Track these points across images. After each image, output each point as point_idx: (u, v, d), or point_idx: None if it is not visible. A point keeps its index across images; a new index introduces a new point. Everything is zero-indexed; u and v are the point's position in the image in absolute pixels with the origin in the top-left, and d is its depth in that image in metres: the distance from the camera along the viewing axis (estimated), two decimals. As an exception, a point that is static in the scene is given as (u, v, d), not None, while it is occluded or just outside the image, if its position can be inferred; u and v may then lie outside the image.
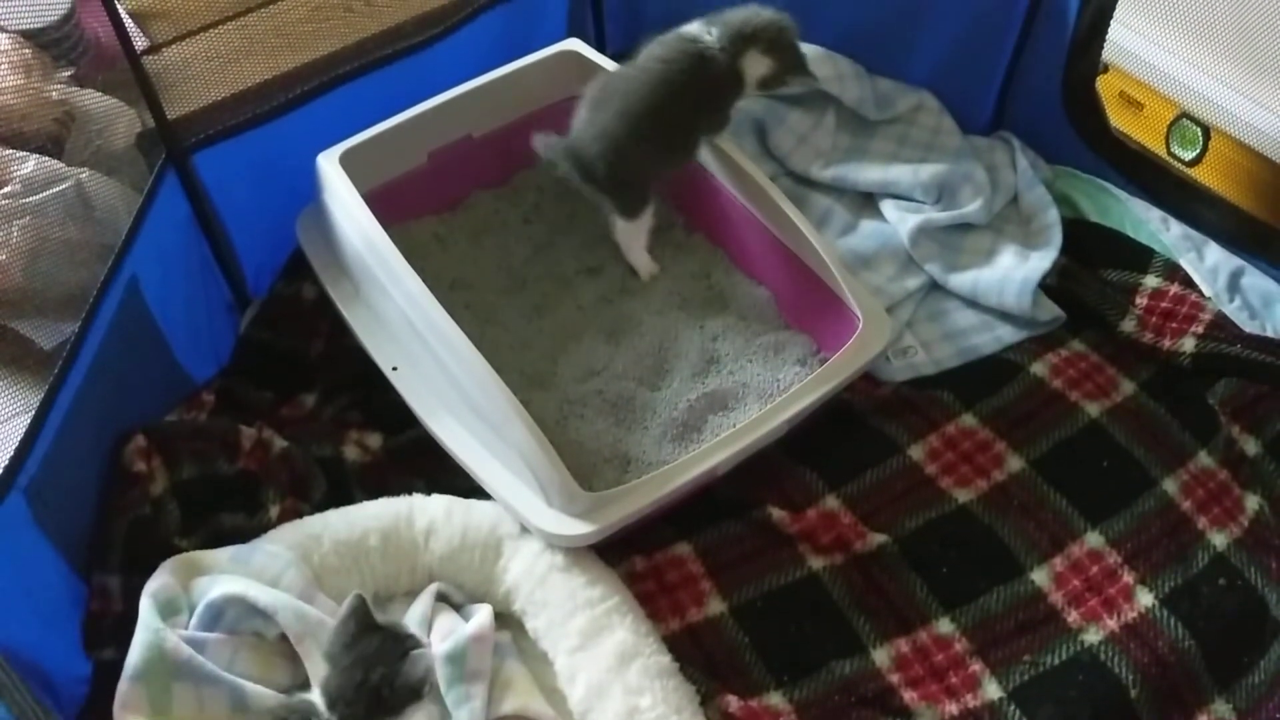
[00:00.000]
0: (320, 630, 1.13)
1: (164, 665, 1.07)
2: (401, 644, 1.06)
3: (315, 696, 1.07)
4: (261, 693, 1.10)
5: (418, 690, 1.05)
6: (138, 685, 1.06)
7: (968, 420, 1.42)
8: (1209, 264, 1.54)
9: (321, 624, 1.14)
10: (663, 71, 1.36)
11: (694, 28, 1.39)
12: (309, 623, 1.14)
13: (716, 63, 1.36)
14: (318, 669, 1.10)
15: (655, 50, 1.39)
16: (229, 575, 1.16)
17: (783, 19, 1.40)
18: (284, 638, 1.16)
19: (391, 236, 1.31)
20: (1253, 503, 1.32)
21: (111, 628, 1.16)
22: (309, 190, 1.43)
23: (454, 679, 1.14)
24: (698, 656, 1.21)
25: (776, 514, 1.31)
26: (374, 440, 1.39)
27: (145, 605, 1.11)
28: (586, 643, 1.16)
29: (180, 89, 1.44)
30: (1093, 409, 1.42)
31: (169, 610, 1.12)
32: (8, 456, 1.08)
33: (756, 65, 1.39)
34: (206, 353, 1.46)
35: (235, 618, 1.14)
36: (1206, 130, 1.65)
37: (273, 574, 1.17)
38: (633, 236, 1.48)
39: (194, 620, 1.13)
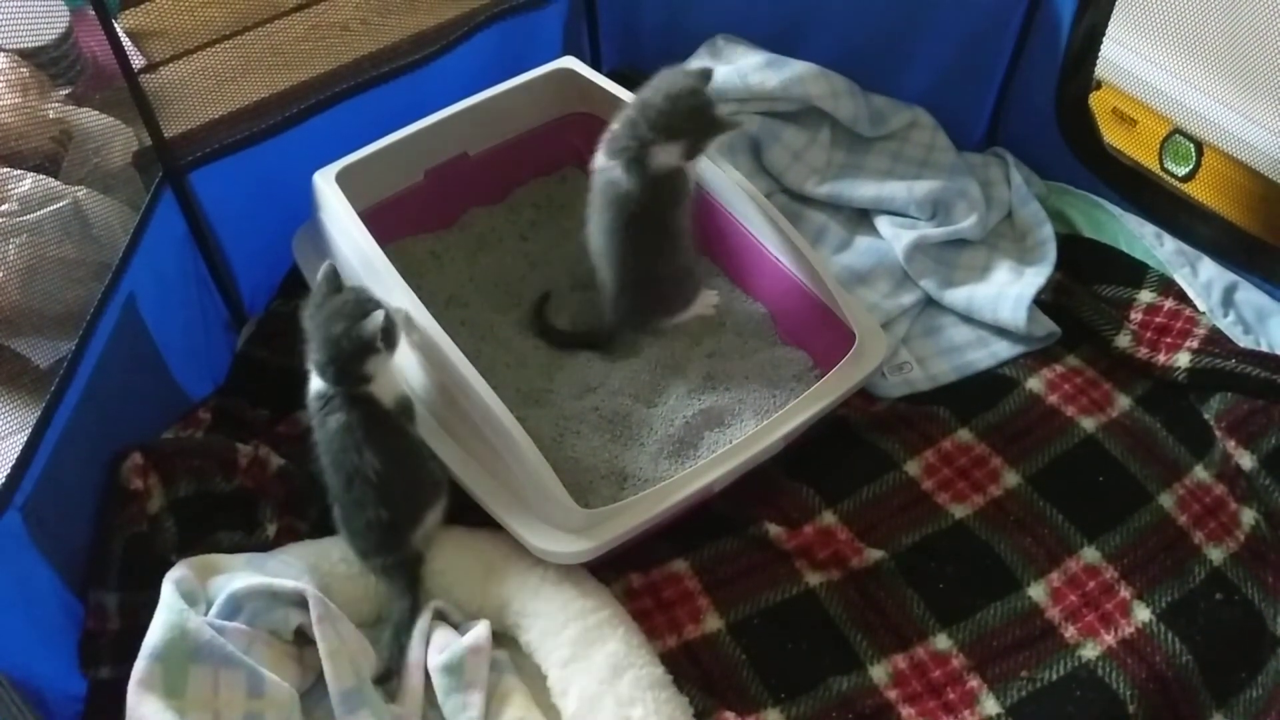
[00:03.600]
0: (339, 620, 1.14)
1: (184, 645, 1.07)
2: (362, 305, 1.17)
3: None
4: (277, 683, 1.10)
5: (370, 343, 1.16)
6: (155, 664, 1.06)
7: (964, 436, 1.42)
8: (1203, 279, 1.54)
9: (341, 615, 1.15)
10: (600, 219, 1.37)
11: (602, 160, 1.34)
12: (330, 608, 1.15)
13: (634, 188, 1.31)
14: (330, 645, 1.12)
15: (604, 188, 1.36)
16: (248, 572, 1.17)
17: (668, 88, 1.30)
18: (297, 640, 1.17)
19: (388, 254, 1.31)
20: (1249, 517, 1.32)
21: (108, 646, 1.16)
22: (305, 208, 1.43)
23: (451, 689, 1.15)
24: (695, 674, 1.21)
25: (773, 530, 1.31)
26: (371, 457, 1.39)
27: (167, 589, 1.12)
28: (579, 654, 1.16)
29: (177, 107, 1.44)
30: (1088, 424, 1.42)
31: (187, 601, 1.12)
32: (4, 475, 1.07)
33: (668, 155, 1.31)
34: (203, 370, 1.47)
35: (254, 612, 1.14)
36: (1199, 146, 1.65)
37: (287, 579, 1.17)
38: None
39: (214, 610, 1.13)
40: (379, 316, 1.15)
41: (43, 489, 1.11)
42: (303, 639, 1.17)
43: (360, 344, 1.16)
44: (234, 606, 1.13)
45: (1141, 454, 1.38)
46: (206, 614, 1.13)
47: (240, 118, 1.54)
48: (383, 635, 1.20)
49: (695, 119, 1.30)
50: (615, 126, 1.33)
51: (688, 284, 1.46)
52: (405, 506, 1.21)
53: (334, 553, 1.24)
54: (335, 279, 1.20)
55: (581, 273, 1.57)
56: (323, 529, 1.28)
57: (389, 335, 1.18)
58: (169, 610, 1.09)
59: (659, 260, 1.40)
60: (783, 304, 1.49)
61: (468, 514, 1.28)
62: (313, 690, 1.17)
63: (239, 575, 1.16)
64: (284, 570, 1.19)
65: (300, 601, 1.14)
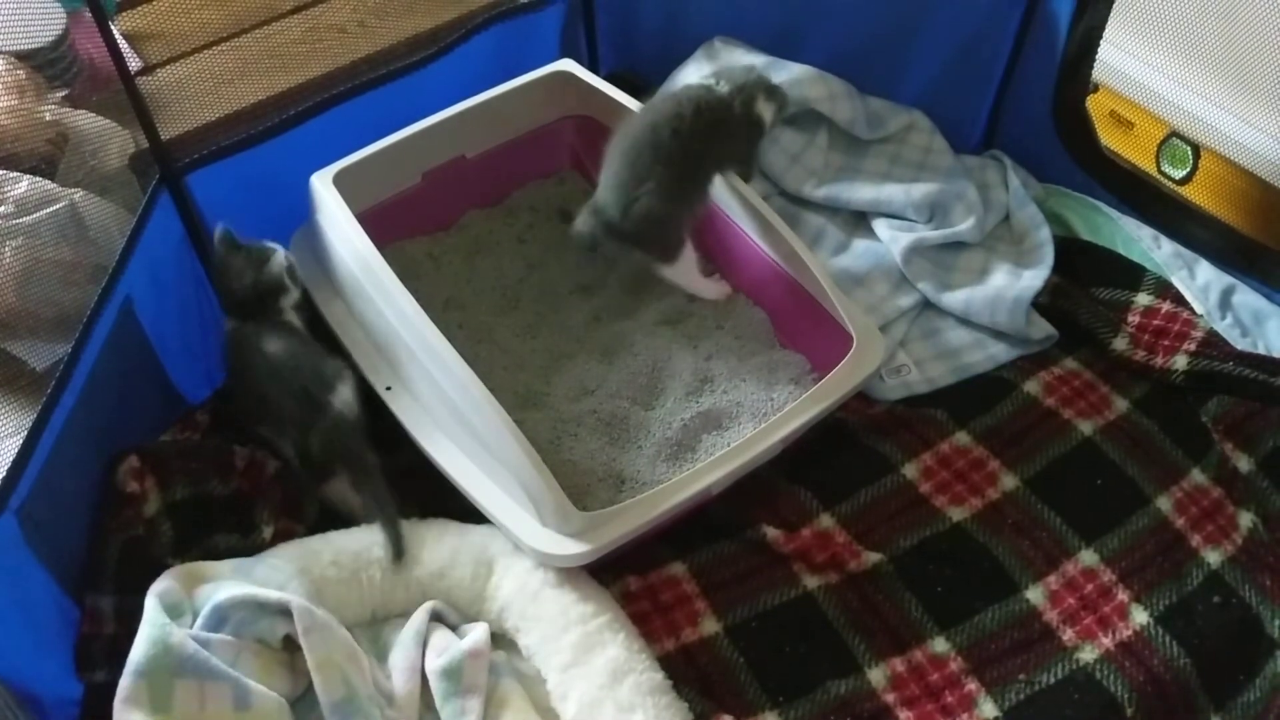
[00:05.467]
0: (326, 630, 1.14)
1: (168, 660, 1.06)
2: (261, 253, 1.35)
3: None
4: (265, 693, 1.10)
5: (280, 282, 1.35)
6: (140, 681, 1.05)
7: (961, 439, 1.42)
8: (1200, 282, 1.54)
9: (328, 624, 1.14)
10: (671, 109, 1.37)
11: (698, 80, 1.41)
12: (317, 618, 1.14)
13: (728, 105, 1.39)
14: (317, 657, 1.12)
15: (658, 97, 1.42)
16: (234, 581, 1.16)
17: (760, 71, 1.46)
18: (286, 646, 1.16)
19: (385, 256, 1.31)
20: (1246, 520, 1.32)
21: (104, 650, 1.15)
22: (302, 210, 1.43)
23: (450, 693, 1.14)
24: (693, 677, 1.21)
25: (771, 533, 1.31)
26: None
27: (151, 604, 1.11)
28: (578, 659, 1.16)
29: (174, 110, 1.44)
30: (1086, 427, 1.42)
31: (173, 613, 1.11)
32: (0, 478, 1.07)
33: (766, 109, 1.42)
34: (200, 373, 1.46)
35: (239, 622, 1.13)
36: (1196, 149, 1.66)
37: (275, 585, 1.17)
38: (681, 274, 1.48)
39: (199, 622, 1.12)
40: (281, 257, 1.34)
41: (38, 492, 1.10)
42: (293, 645, 1.16)
43: (272, 286, 1.34)
44: (219, 618, 1.13)
45: (1139, 457, 1.38)
46: (194, 625, 1.13)
47: (237, 120, 1.54)
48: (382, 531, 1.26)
49: (782, 95, 1.46)
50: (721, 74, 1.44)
51: (667, 238, 1.43)
52: (316, 378, 1.32)
53: (325, 555, 1.23)
54: (231, 238, 1.35)
55: (579, 275, 1.57)
56: (320, 531, 1.28)
57: (293, 273, 1.36)
58: (151, 625, 1.08)
59: (677, 188, 1.38)
60: (780, 307, 1.49)
61: (468, 518, 1.28)
62: (306, 696, 1.16)
63: (224, 585, 1.15)
64: (272, 576, 1.18)
65: (287, 611, 1.14)
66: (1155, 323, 1.49)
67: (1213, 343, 1.46)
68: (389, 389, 1.34)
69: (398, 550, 1.23)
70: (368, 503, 1.28)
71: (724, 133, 1.40)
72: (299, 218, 1.45)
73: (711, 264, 1.53)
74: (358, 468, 1.29)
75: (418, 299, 1.27)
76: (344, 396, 1.32)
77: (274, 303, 1.35)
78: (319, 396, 1.30)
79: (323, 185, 1.38)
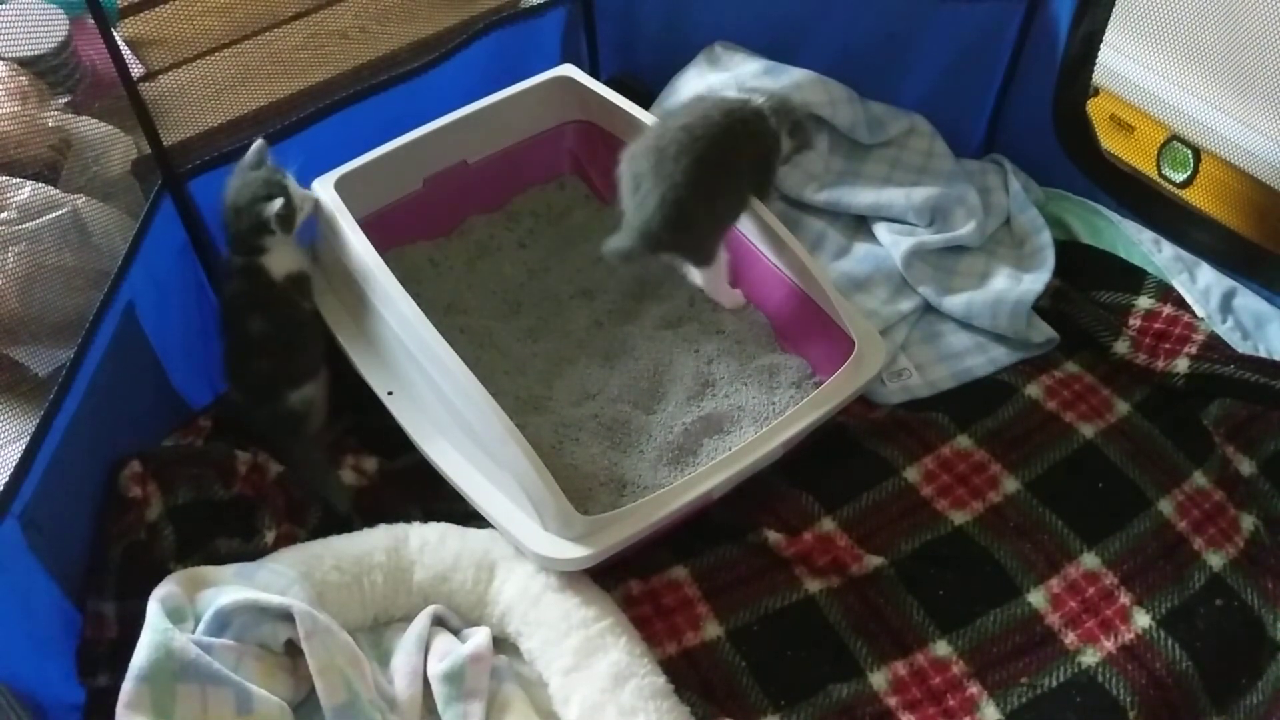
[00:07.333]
0: (328, 634, 1.14)
1: (170, 665, 1.06)
2: (269, 187, 1.32)
3: None
4: (267, 698, 1.10)
5: (265, 223, 1.31)
6: (142, 685, 1.06)
7: (963, 442, 1.42)
8: (1201, 285, 1.54)
9: (329, 629, 1.14)
10: (701, 111, 1.37)
11: (735, 94, 1.43)
12: (319, 622, 1.14)
13: (764, 118, 1.39)
14: (319, 661, 1.12)
15: (700, 107, 1.40)
16: (236, 586, 1.16)
17: (797, 103, 1.49)
18: (288, 650, 1.16)
19: (387, 261, 1.31)
20: (1248, 523, 1.32)
21: (106, 654, 1.16)
22: (304, 216, 1.43)
23: (451, 698, 1.14)
24: (695, 680, 1.21)
25: (773, 537, 1.31)
26: (370, 464, 1.39)
27: (153, 609, 1.11)
28: (581, 663, 1.16)
29: (176, 116, 1.44)
30: (1087, 430, 1.42)
31: (175, 618, 1.11)
32: (2, 483, 1.07)
33: (786, 142, 1.43)
34: (203, 378, 1.46)
35: (242, 626, 1.13)
36: (1197, 152, 1.66)
37: (278, 590, 1.17)
38: (713, 278, 1.48)
39: (201, 627, 1.12)
40: (276, 205, 1.30)
41: (41, 497, 1.11)
42: (295, 649, 1.16)
43: (258, 221, 1.31)
44: (221, 622, 1.13)
45: (1140, 460, 1.38)
46: (196, 630, 1.13)
47: (239, 126, 1.55)
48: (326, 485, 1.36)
49: (807, 131, 1.47)
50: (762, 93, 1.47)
51: (701, 247, 1.43)
52: (284, 364, 1.37)
53: (326, 560, 1.23)
54: (259, 156, 1.33)
55: (580, 280, 1.58)
56: (322, 536, 1.28)
57: (285, 220, 1.32)
58: (153, 630, 1.09)
59: (706, 185, 1.36)
60: (781, 311, 1.49)
61: (469, 522, 1.28)
62: (308, 700, 1.16)
63: (226, 590, 1.15)
64: (273, 580, 1.18)
65: (289, 615, 1.14)
66: (1156, 326, 1.50)
67: (1214, 346, 1.46)
68: (390, 393, 1.35)
69: (344, 507, 1.34)
70: (308, 468, 1.37)
71: (754, 143, 1.39)
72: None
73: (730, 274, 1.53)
74: (296, 446, 1.38)
75: (419, 304, 1.28)
76: (307, 391, 1.38)
77: (257, 238, 1.33)
78: (280, 386, 1.37)
79: (325, 191, 1.38)
